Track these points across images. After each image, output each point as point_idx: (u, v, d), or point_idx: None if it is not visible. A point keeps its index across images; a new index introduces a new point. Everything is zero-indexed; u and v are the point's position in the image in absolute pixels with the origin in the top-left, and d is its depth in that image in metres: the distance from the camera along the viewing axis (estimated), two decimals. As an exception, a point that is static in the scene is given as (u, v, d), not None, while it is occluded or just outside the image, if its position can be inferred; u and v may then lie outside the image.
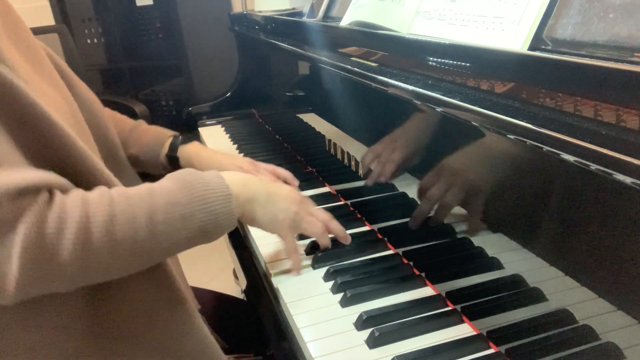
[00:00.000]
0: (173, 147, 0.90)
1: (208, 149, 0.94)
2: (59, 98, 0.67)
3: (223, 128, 1.49)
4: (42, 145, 0.55)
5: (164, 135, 0.91)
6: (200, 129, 1.51)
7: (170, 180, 0.62)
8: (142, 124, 0.93)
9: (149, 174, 0.89)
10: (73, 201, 0.54)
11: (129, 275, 0.59)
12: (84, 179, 0.58)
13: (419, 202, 0.80)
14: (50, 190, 0.54)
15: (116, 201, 0.56)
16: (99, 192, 0.57)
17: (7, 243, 0.49)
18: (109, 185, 0.60)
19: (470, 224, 0.70)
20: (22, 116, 0.53)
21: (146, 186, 0.60)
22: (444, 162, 0.72)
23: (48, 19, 2.53)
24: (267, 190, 0.70)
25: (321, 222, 0.73)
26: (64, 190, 0.55)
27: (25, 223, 0.50)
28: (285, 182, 0.93)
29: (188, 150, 0.91)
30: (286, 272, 0.73)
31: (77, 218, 0.53)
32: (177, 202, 0.59)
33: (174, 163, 0.90)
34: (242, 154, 1.24)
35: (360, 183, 0.96)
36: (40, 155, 0.55)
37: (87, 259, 0.53)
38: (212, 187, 0.62)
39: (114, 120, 0.90)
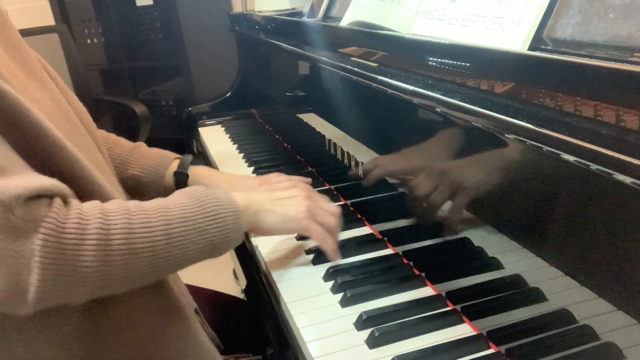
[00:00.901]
0: (183, 165, 0.87)
1: (218, 171, 0.91)
2: (51, 105, 0.66)
3: (223, 128, 1.49)
4: (41, 156, 0.53)
5: (169, 156, 0.89)
6: (200, 129, 1.51)
7: (182, 196, 0.62)
8: (143, 145, 0.90)
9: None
10: (91, 210, 0.53)
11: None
12: (87, 193, 0.57)
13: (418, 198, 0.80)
14: (63, 197, 0.53)
15: (133, 212, 0.56)
16: (115, 203, 0.56)
17: (25, 252, 0.48)
18: (107, 197, 0.59)
19: (455, 214, 0.69)
20: (19, 130, 0.52)
21: (159, 200, 0.61)
22: (444, 162, 0.72)
23: (48, 19, 2.53)
24: (271, 197, 0.72)
25: (333, 217, 0.74)
26: (71, 197, 0.54)
27: (43, 230, 0.48)
28: None
29: (199, 170, 0.88)
30: (285, 269, 0.73)
31: (97, 227, 0.52)
32: (191, 217, 0.59)
33: (180, 183, 0.87)
34: (242, 154, 1.24)
35: (360, 183, 0.96)
36: (41, 166, 0.53)
37: (106, 269, 0.52)
38: (222, 204, 0.63)
39: (112, 142, 0.87)
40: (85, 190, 0.57)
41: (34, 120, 0.52)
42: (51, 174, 0.53)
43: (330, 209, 0.75)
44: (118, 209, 0.55)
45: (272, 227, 0.70)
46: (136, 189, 0.85)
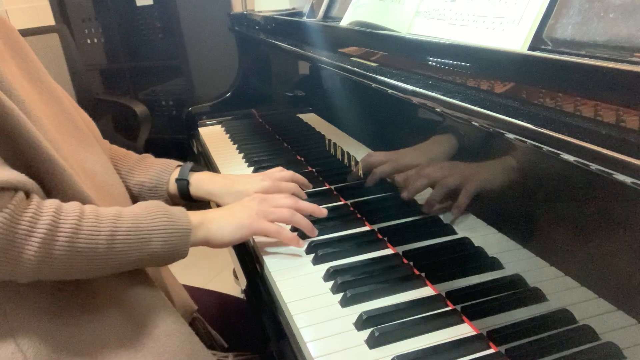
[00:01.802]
0: (183, 172, 0.89)
1: (218, 174, 0.93)
2: (59, 114, 0.73)
3: (223, 128, 1.49)
4: (22, 158, 0.60)
5: (172, 164, 0.91)
6: (200, 129, 1.51)
7: (140, 207, 0.69)
8: (150, 156, 0.94)
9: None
10: (48, 207, 0.60)
11: None
12: (60, 193, 0.64)
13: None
14: (27, 192, 0.60)
15: (86, 215, 0.62)
16: (73, 204, 0.63)
17: None
18: (84, 201, 0.65)
19: (456, 211, 0.70)
20: (5, 130, 0.58)
21: (117, 208, 0.67)
22: (443, 161, 0.72)
23: (48, 19, 2.53)
24: (223, 210, 0.77)
25: (288, 208, 0.78)
26: (37, 193, 0.61)
27: (0, 219, 0.56)
28: (302, 187, 0.93)
29: (200, 175, 0.90)
30: (285, 268, 0.73)
31: (47, 224, 0.59)
32: (139, 227, 0.65)
33: (182, 189, 0.88)
34: (242, 154, 1.24)
35: (360, 183, 0.96)
36: (19, 165, 0.60)
37: (47, 261, 0.59)
38: (174, 220, 0.68)
39: (122, 154, 0.91)
40: (61, 191, 0.64)
41: (25, 130, 0.59)
42: (30, 173, 0.61)
43: (283, 203, 0.79)
44: (73, 210, 0.62)
45: (225, 238, 0.74)
46: (140, 195, 0.88)
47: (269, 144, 1.31)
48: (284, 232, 0.76)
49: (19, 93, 0.61)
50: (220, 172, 1.15)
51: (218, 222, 0.73)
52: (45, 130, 0.63)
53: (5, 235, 0.56)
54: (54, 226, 0.59)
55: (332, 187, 0.99)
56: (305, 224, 0.79)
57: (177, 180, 0.88)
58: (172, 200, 0.90)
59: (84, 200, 0.65)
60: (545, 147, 0.46)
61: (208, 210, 0.75)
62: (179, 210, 0.70)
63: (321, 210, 0.81)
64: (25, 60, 0.72)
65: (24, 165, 0.61)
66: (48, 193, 0.64)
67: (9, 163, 0.60)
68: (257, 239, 0.81)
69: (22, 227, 0.57)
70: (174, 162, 0.92)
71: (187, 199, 0.90)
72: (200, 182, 0.88)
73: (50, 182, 0.63)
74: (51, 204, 0.61)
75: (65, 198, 0.64)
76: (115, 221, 0.64)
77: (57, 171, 0.62)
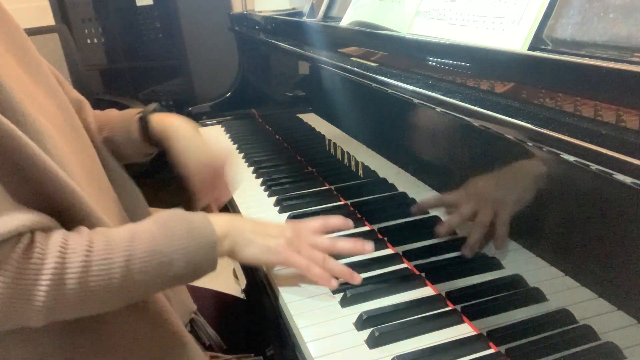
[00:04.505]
0: (145, 111, 0.85)
1: (183, 125, 0.86)
2: (57, 113, 0.68)
3: (223, 128, 1.49)
4: (31, 188, 0.55)
5: (134, 110, 0.87)
6: (200, 129, 1.50)
7: (154, 223, 0.61)
8: (114, 110, 0.89)
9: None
10: (52, 248, 0.54)
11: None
12: (71, 217, 0.58)
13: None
14: (32, 231, 0.55)
15: (94, 249, 0.56)
16: (79, 237, 0.57)
17: None
18: (94, 222, 0.60)
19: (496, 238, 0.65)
20: (13, 161, 0.53)
21: (129, 229, 0.60)
22: (442, 162, 0.72)
23: (48, 19, 2.53)
24: (254, 225, 0.69)
25: (322, 253, 0.68)
26: (46, 229, 0.56)
27: (2, 272, 0.51)
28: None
29: (163, 118, 0.85)
30: (285, 269, 0.73)
31: (53, 268, 0.54)
32: (157, 250, 0.59)
33: (145, 129, 0.84)
34: (242, 154, 1.24)
35: (360, 183, 0.96)
36: (28, 195, 0.55)
37: (60, 302, 0.54)
38: (195, 235, 0.61)
39: (99, 117, 0.88)
40: (73, 216, 0.58)
41: (30, 153, 0.53)
42: (38, 200, 0.55)
43: (321, 245, 0.70)
44: (80, 245, 0.56)
45: (250, 258, 0.67)
46: (113, 152, 0.83)
47: (269, 144, 1.31)
48: (314, 269, 0.67)
49: (29, 109, 0.56)
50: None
51: (247, 237, 0.66)
52: (53, 144, 0.58)
53: (11, 290, 0.52)
54: (61, 268, 0.54)
55: (332, 187, 0.99)
56: (343, 272, 0.68)
57: (139, 118, 0.85)
58: (137, 146, 0.86)
59: (104, 225, 0.60)
60: (545, 147, 0.46)
61: (236, 217, 0.69)
62: (202, 221, 0.63)
63: (354, 276, 0.68)
64: (22, 50, 0.67)
65: (36, 193, 0.55)
66: (65, 220, 0.58)
67: (21, 194, 0.54)
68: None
69: (27, 278, 0.53)
70: (135, 110, 0.88)
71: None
72: (162, 125, 0.85)
73: (68, 211, 0.58)
74: (55, 241, 0.55)
75: (83, 224, 0.59)
76: (129, 248, 0.57)
77: (75, 200, 0.57)
